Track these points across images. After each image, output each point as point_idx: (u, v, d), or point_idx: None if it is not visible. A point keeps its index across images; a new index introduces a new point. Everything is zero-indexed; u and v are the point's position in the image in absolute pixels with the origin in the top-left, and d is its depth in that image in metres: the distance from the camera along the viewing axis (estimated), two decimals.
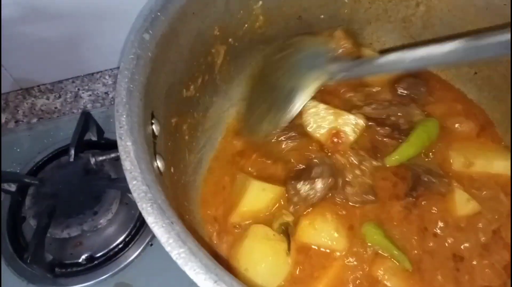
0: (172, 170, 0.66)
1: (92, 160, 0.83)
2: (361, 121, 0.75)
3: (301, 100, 0.72)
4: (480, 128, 0.81)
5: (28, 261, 0.73)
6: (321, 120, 0.76)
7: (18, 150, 0.95)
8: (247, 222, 0.72)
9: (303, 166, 0.75)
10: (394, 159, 0.74)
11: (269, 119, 0.75)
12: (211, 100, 0.81)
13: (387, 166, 0.75)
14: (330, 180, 0.71)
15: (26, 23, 0.93)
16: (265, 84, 0.80)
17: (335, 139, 0.75)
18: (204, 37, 0.72)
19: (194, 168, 0.78)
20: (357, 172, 0.73)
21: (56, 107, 1.03)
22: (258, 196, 0.72)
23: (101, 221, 0.81)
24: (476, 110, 0.84)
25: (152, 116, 0.59)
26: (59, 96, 1.05)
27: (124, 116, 0.53)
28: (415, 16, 0.85)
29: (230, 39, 0.78)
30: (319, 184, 0.70)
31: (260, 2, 0.78)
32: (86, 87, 1.06)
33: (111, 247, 0.82)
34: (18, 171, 0.90)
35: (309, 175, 0.71)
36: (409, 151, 0.74)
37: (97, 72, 1.07)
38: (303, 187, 0.70)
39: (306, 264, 0.69)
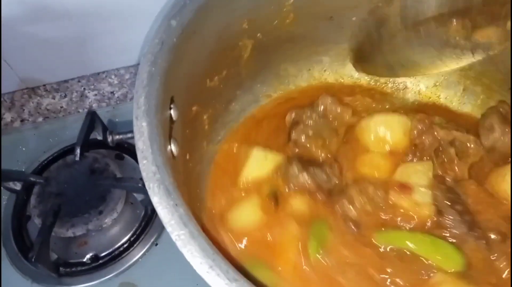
0: (187, 157, 0.67)
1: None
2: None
3: None
4: None
5: (33, 260, 0.72)
6: None
7: (24, 149, 0.95)
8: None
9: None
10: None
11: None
12: (235, 94, 0.82)
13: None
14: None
15: (32, 22, 0.92)
16: None
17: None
18: (232, 30, 0.73)
19: (210, 158, 0.78)
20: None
21: (61, 107, 1.03)
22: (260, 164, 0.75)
23: (106, 220, 0.80)
24: None
25: (172, 101, 0.60)
26: (65, 96, 1.05)
27: (143, 97, 0.54)
28: None
29: (258, 34, 0.77)
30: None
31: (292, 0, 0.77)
32: (92, 86, 1.05)
33: (116, 246, 0.81)
34: (23, 170, 0.90)
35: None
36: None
37: (103, 72, 1.07)
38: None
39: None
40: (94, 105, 1.03)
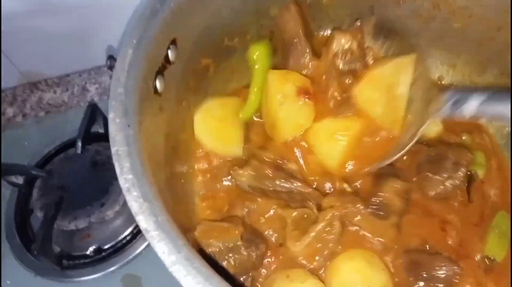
0: (184, 104, 0.69)
1: None
2: None
3: None
4: None
5: (36, 252, 0.72)
6: None
7: (26, 143, 0.95)
8: None
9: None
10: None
11: None
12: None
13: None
14: None
15: (33, 17, 0.92)
16: None
17: None
18: None
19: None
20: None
21: (63, 101, 1.03)
22: None
23: (108, 212, 0.80)
24: None
25: (173, 43, 0.61)
26: (66, 90, 1.04)
27: (138, 29, 0.55)
28: None
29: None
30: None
31: None
32: (93, 80, 1.05)
33: (119, 239, 0.81)
34: (25, 164, 0.90)
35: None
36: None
37: (104, 65, 1.06)
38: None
39: None
40: (96, 99, 1.02)
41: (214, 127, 0.73)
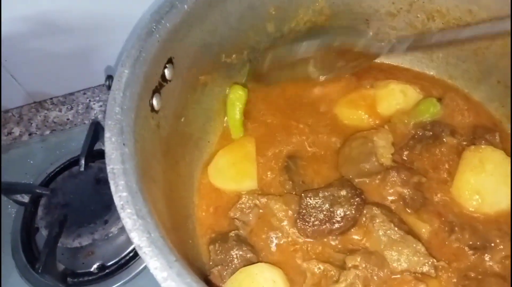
0: (182, 120, 0.70)
1: None
2: None
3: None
4: None
5: (40, 270, 0.73)
6: None
7: (32, 162, 0.97)
8: None
9: None
10: None
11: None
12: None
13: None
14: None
15: (37, 38, 0.94)
16: None
17: None
18: (256, 12, 0.74)
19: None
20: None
21: (68, 119, 1.05)
22: None
23: (112, 229, 0.81)
24: None
25: (169, 61, 0.62)
26: (71, 108, 1.06)
27: (134, 49, 0.57)
28: None
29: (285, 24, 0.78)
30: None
31: None
32: (97, 98, 1.07)
33: (123, 255, 0.82)
34: (31, 182, 0.91)
35: None
36: None
37: None
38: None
39: None
40: (100, 117, 1.04)
41: (228, 175, 0.76)
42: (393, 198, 0.70)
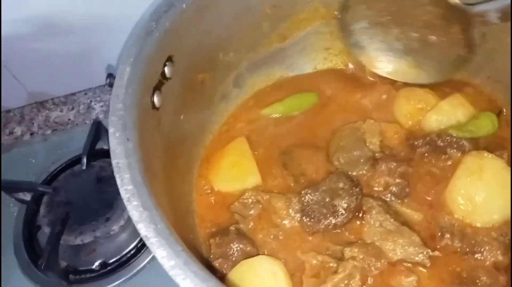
0: (182, 117, 0.71)
1: None
2: None
3: None
4: None
5: (42, 267, 0.74)
6: None
7: (33, 161, 0.97)
8: None
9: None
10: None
11: None
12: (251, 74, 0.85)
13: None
14: None
15: (38, 39, 0.95)
16: None
17: None
18: (252, 12, 0.75)
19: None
20: None
21: (69, 119, 1.06)
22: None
23: (113, 227, 0.81)
24: None
25: (169, 60, 0.64)
26: (72, 108, 1.07)
27: (135, 48, 0.58)
28: None
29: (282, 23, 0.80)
30: None
31: None
32: (98, 98, 1.08)
33: (124, 253, 0.82)
34: (33, 181, 0.92)
35: None
36: None
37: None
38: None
39: None
40: (101, 116, 1.05)
41: (231, 178, 0.77)
42: (380, 189, 0.71)
